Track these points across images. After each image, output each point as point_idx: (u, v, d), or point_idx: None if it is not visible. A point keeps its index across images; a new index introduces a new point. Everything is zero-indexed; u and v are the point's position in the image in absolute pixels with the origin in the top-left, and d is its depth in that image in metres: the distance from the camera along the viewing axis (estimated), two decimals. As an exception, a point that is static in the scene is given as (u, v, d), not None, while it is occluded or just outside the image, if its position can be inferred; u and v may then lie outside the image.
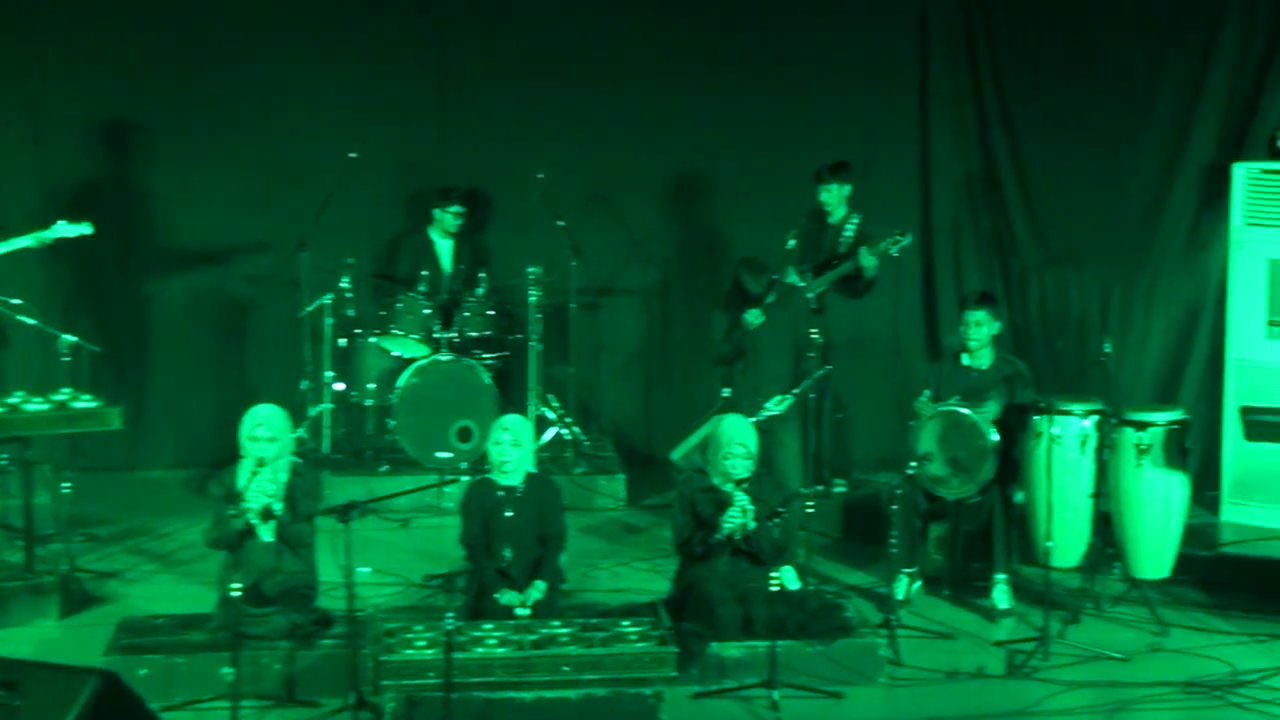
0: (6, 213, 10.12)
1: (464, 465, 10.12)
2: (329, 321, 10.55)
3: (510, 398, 10.53)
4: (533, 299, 10.53)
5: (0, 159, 10.89)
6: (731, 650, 7.72)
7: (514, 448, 7.97)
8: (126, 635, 7.74)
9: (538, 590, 7.83)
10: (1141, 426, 8.83)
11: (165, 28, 10.95)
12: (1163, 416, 8.92)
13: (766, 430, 8.70)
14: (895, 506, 8.53)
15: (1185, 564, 8.95)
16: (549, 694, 7.21)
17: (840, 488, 10.17)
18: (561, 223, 10.61)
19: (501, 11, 11.16)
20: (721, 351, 9.51)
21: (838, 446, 10.22)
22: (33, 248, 9.19)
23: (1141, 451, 8.80)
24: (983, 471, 8.66)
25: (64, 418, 8.72)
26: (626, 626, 7.53)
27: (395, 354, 10.50)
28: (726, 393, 9.43)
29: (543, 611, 7.76)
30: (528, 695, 7.20)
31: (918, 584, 8.87)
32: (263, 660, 7.50)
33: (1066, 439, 8.84)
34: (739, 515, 7.88)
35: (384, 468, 10.41)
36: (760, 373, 9.26)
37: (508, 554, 7.89)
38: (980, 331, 8.83)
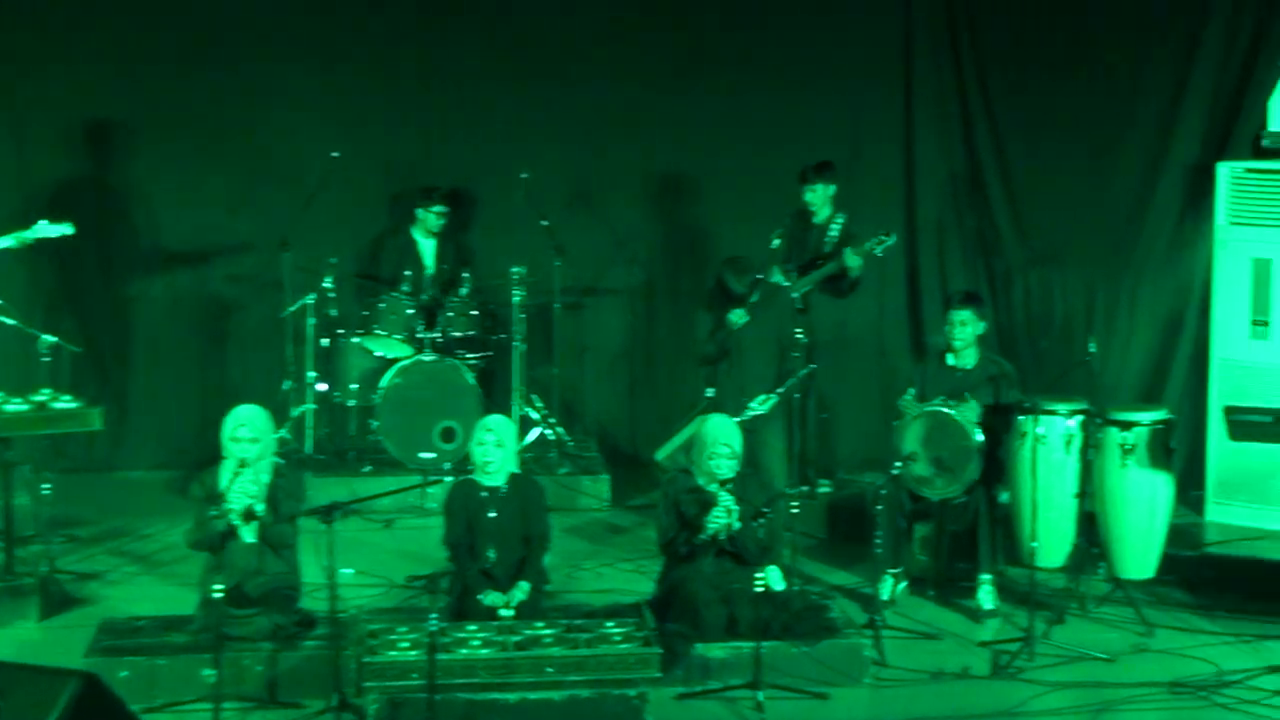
0: (-12, 212, 10.09)
1: (447, 466, 10.09)
2: (311, 321, 10.53)
3: (494, 398, 10.51)
4: (516, 299, 10.51)
5: (-18, 158, 10.88)
6: (716, 651, 7.71)
7: (497, 448, 7.96)
8: (107, 637, 7.71)
9: (521, 591, 7.81)
10: (1126, 426, 8.85)
11: (148, 27, 10.92)
12: (1147, 416, 8.94)
13: (751, 430, 8.68)
14: (880, 507, 8.52)
15: (1170, 564, 8.97)
16: (533, 695, 7.20)
17: (825, 488, 10.16)
18: (545, 222, 10.59)
19: (485, 11, 11.13)
20: (706, 351, 9.50)
21: (822, 446, 10.21)
22: (14, 248, 9.14)
23: (1126, 451, 8.81)
24: (967, 472, 8.65)
25: (44, 418, 8.68)
26: (611, 627, 7.53)
27: (378, 354, 10.48)
28: (711, 393, 9.42)
29: (526, 612, 7.74)
30: (511, 697, 7.19)
31: (903, 584, 8.87)
32: (245, 662, 7.47)
33: (1051, 439, 8.85)
34: (723, 515, 7.86)
35: (367, 468, 10.38)
36: (744, 372, 9.24)
37: (491, 555, 7.88)
38: (965, 331, 8.83)
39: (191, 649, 7.48)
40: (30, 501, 9.12)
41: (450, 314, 10.51)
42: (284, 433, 10.22)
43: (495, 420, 8.08)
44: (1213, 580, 8.91)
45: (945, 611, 8.70)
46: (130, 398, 11.09)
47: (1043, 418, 8.77)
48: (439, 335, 10.40)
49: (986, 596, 8.67)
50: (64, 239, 9.14)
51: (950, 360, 8.91)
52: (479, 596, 7.79)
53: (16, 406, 8.64)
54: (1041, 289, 10.84)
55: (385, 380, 10.32)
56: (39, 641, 8.18)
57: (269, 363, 10.74)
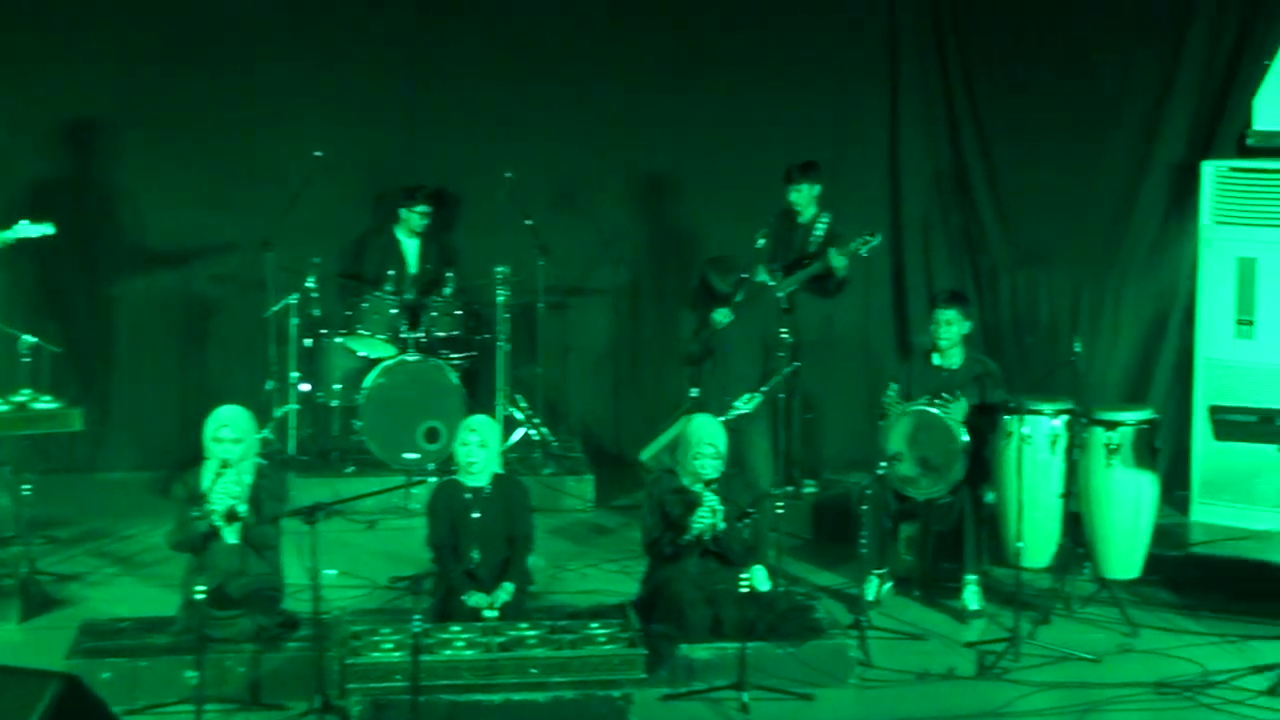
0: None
1: (431, 466, 10.07)
2: (294, 321, 10.50)
3: (478, 398, 10.49)
4: (500, 299, 10.49)
5: (-37, 158, 10.83)
6: (701, 652, 7.69)
7: (481, 449, 7.94)
8: (88, 638, 7.68)
9: (505, 592, 7.79)
10: (1111, 426, 8.86)
11: (130, 27, 10.88)
12: (1132, 416, 8.95)
13: (736, 429, 8.66)
14: (865, 507, 8.51)
15: (1155, 564, 8.98)
16: (517, 696, 7.19)
17: (810, 488, 10.16)
18: (529, 222, 10.58)
19: (469, 10, 11.11)
20: (690, 351, 9.48)
21: (808, 447, 10.21)
22: (-6, 248, 9.12)
23: (1111, 451, 8.82)
24: (953, 471, 8.64)
25: (24, 419, 8.64)
26: (595, 628, 7.53)
27: (361, 354, 10.45)
28: (695, 393, 9.40)
29: (510, 613, 7.72)
30: (495, 698, 7.18)
31: (888, 585, 8.86)
32: (227, 663, 7.45)
33: (1037, 439, 8.86)
34: (708, 516, 7.85)
35: (350, 469, 10.36)
36: (729, 372, 9.23)
37: (475, 556, 7.86)
38: (950, 331, 8.82)
39: (173, 650, 7.44)
40: (10, 502, 9.07)
41: (434, 314, 10.49)
42: (267, 433, 10.19)
43: (479, 420, 8.06)
44: (1198, 580, 8.91)
45: (930, 612, 8.70)
46: (112, 398, 11.05)
47: (1028, 417, 8.78)
48: (423, 335, 10.38)
49: (972, 597, 8.66)
50: (45, 239, 9.10)
51: (936, 360, 8.90)
52: (463, 597, 7.77)
53: (-3, 407, 8.61)
54: (1027, 288, 10.84)
55: (369, 380, 10.29)
56: (19, 643, 8.13)
57: (252, 363, 10.71)
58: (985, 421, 8.77)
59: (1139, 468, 8.85)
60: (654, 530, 8.04)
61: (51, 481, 9.87)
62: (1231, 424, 8.11)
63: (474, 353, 10.67)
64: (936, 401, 8.67)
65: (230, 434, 7.69)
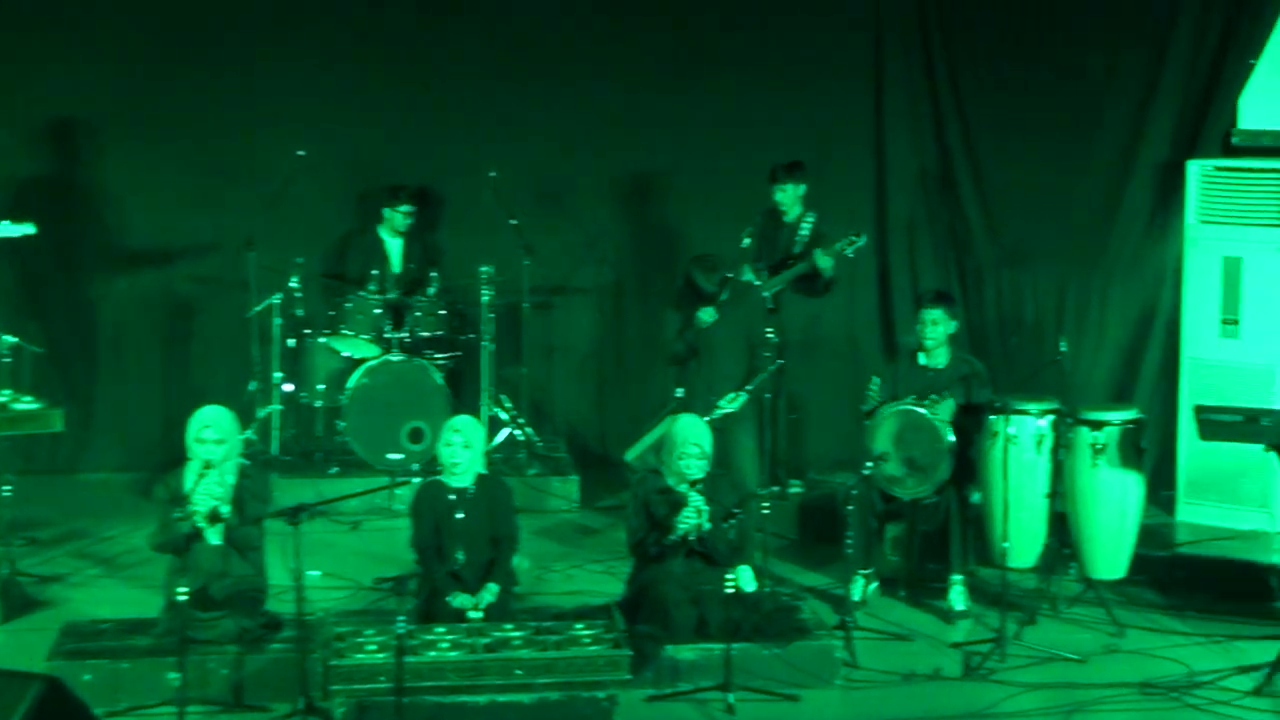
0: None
1: (415, 467, 10.05)
2: (277, 322, 10.47)
3: (462, 398, 10.47)
4: (485, 298, 10.47)
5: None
6: (686, 653, 7.67)
7: (465, 449, 7.92)
8: (70, 640, 7.65)
9: (490, 593, 7.78)
10: (1097, 426, 8.86)
11: (112, 26, 10.85)
12: (1118, 416, 8.95)
13: (721, 429, 8.65)
14: (851, 507, 8.51)
15: (1140, 564, 8.98)
16: (501, 698, 7.17)
17: (796, 488, 10.14)
18: (514, 221, 10.55)
19: (453, 10, 11.09)
20: (675, 350, 9.48)
21: (793, 447, 10.20)
22: (-25, 248, 9.08)
23: (1097, 451, 8.81)
24: (939, 471, 8.63)
25: (4, 419, 8.60)
26: (580, 629, 7.53)
27: (345, 354, 10.43)
28: (680, 393, 9.39)
29: (495, 614, 7.71)
30: (480, 699, 7.17)
31: (874, 585, 8.85)
32: (210, 665, 7.42)
33: (1022, 439, 8.86)
34: (693, 516, 7.84)
35: (334, 470, 10.33)
36: (714, 371, 9.22)
37: (460, 557, 7.84)
38: (936, 330, 8.81)
39: (156, 652, 7.42)
40: (-9, 503, 9.04)
41: (418, 314, 10.46)
42: (250, 434, 10.16)
43: (463, 421, 8.04)
44: (1183, 580, 8.92)
45: (916, 612, 8.69)
46: (94, 399, 11.01)
47: (1014, 417, 8.78)
48: (407, 335, 10.36)
49: (958, 597, 8.64)
50: (26, 239, 9.06)
51: (922, 359, 8.89)
52: (447, 598, 7.75)
53: (-23, 408, 8.57)
54: (1012, 288, 10.84)
55: (352, 381, 10.26)
56: (0, 645, 8.08)
57: (234, 363, 10.68)
58: (971, 421, 8.76)
59: (1125, 468, 8.84)
60: (639, 531, 8.03)
61: (33, 482, 9.83)
62: (1217, 424, 8.10)
63: (458, 353, 10.65)
64: (924, 402, 8.66)
65: (213, 435, 7.65)
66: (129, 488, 10.57)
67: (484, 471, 8.07)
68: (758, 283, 9.86)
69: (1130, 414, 8.99)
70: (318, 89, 10.95)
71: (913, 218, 11.13)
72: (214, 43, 10.88)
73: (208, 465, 7.60)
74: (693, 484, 7.90)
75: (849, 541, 8.43)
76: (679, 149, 11.08)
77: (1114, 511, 8.85)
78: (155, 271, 10.99)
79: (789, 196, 10.06)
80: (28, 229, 9.00)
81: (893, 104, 11.09)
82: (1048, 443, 8.88)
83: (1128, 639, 8.32)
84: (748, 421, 9.20)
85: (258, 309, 10.45)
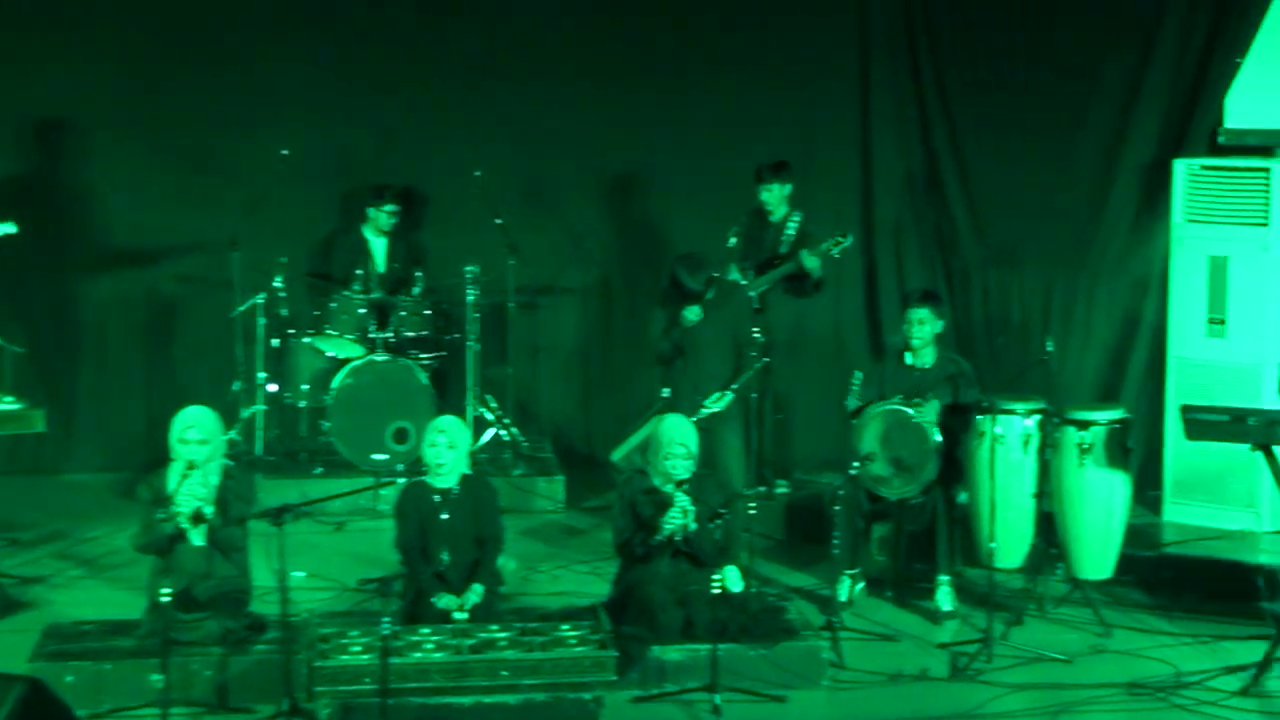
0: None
1: (400, 467, 10.02)
2: (262, 321, 10.44)
3: (447, 399, 10.44)
4: (470, 298, 10.46)
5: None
6: (672, 653, 7.66)
7: (450, 450, 7.90)
8: (52, 641, 7.62)
9: (475, 594, 7.76)
10: (1084, 426, 8.85)
11: (97, 26, 10.82)
12: (1104, 415, 8.94)
13: (707, 429, 8.63)
14: (838, 507, 8.50)
15: (1127, 564, 8.97)
16: (487, 699, 7.16)
17: (782, 488, 10.13)
18: (499, 221, 10.53)
19: (437, 10, 11.06)
20: (661, 350, 9.45)
21: (780, 447, 10.19)
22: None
23: (1084, 451, 8.80)
24: (925, 471, 8.62)
25: (-14, 420, 8.57)
26: (566, 630, 7.52)
27: (330, 354, 10.40)
28: (666, 393, 9.37)
29: (480, 615, 7.68)
30: (466, 700, 7.15)
31: (860, 585, 8.84)
32: (193, 666, 7.39)
33: (1009, 438, 8.85)
34: (679, 516, 7.83)
35: (318, 470, 10.30)
36: (700, 371, 9.20)
37: (445, 557, 7.81)
38: (923, 330, 8.79)
39: (139, 654, 7.39)
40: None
41: (403, 314, 10.44)
42: (233, 434, 10.13)
43: (447, 421, 8.02)
44: (1170, 580, 8.91)
45: (903, 613, 8.68)
46: (76, 399, 10.97)
47: (1000, 417, 8.77)
48: (391, 335, 10.34)
49: (945, 597, 8.63)
50: (8, 238, 9.03)
51: (908, 359, 8.87)
52: (432, 599, 7.73)
53: (-42, 408, 8.54)
54: (999, 288, 10.83)
55: (337, 381, 10.23)
56: (-18, 647, 8.06)
57: (218, 363, 10.65)
58: (958, 421, 8.75)
59: (1111, 467, 8.84)
60: (625, 531, 8.01)
61: (15, 483, 9.84)
62: (1203, 423, 8.09)
63: (443, 353, 10.63)
64: (910, 402, 8.64)
65: (196, 435, 7.62)
66: (112, 488, 10.52)
67: (468, 472, 8.05)
68: (744, 282, 9.85)
69: (1117, 414, 8.98)
70: (302, 88, 10.92)
71: (899, 218, 11.12)
72: (199, 43, 10.85)
73: (191, 466, 7.56)
74: (679, 484, 7.89)
75: (835, 542, 8.43)
76: (665, 149, 11.07)
77: (1101, 511, 8.85)
78: (138, 271, 10.95)
79: (775, 196, 10.05)
80: (9, 228, 8.98)
81: (879, 104, 11.08)
82: (1034, 443, 8.87)
83: (1115, 639, 8.32)
84: (734, 421, 9.18)
85: (242, 309, 10.42)
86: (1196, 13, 9.91)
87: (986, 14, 10.74)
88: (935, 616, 8.59)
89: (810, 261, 9.80)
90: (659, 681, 7.60)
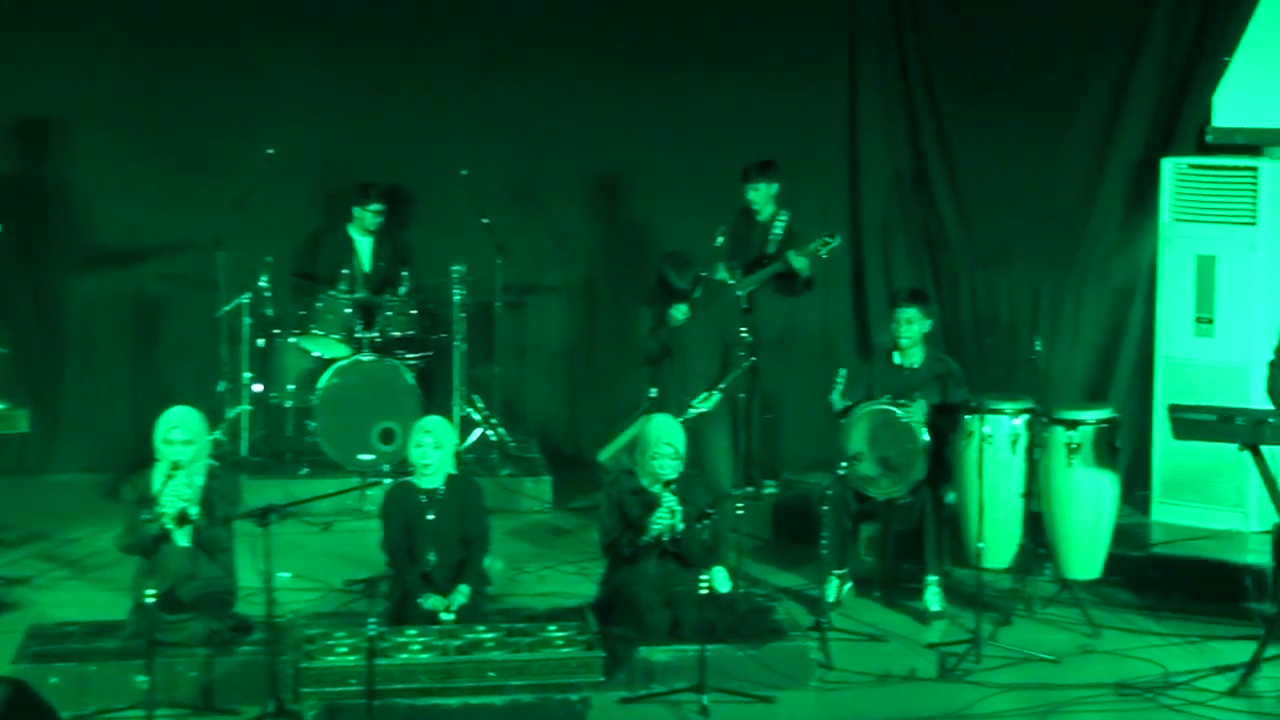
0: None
1: (386, 468, 9.99)
2: (247, 321, 10.40)
3: (434, 399, 10.42)
4: (456, 298, 10.43)
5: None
6: (660, 654, 7.64)
7: (436, 450, 7.89)
8: (36, 642, 7.60)
9: (462, 594, 7.74)
10: (1072, 425, 8.83)
11: (81, 25, 10.78)
12: (1093, 415, 8.93)
13: (695, 429, 8.61)
14: (826, 507, 8.48)
15: (1115, 564, 8.97)
16: (474, 700, 7.14)
17: (770, 489, 10.11)
18: (485, 220, 10.51)
19: (423, 8, 11.02)
20: (649, 349, 9.44)
21: (767, 447, 10.16)
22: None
23: (1072, 451, 8.79)
24: (914, 471, 8.61)
25: (-31, 420, 8.54)
26: (553, 631, 7.51)
27: (315, 354, 10.37)
28: (654, 392, 9.35)
29: (467, 616, 7.67)
30: (452, 701, 7.13)
31: (848, 586, 8.82)
32: (178, 668, 7.36)
33: (998, 438, 8.83)
34: (667, 517, 7.82)
35: (304, 470, 10.27)
36: (687, 371, 9.18)
37: (432, 558, 7.79)
38: (911, 329, 8.78)
39: (123, 655, 7.36)
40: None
41: (389, 313, 10.41)
42: (219, 434, 10.09)
43: (433, 422, 8.01)
44: (1158, 580, 8.92)
45: (891, 613, 8.67)
46: (60, 399, 10.93)
47: (989, 417, 8.75)
48: (377, 335, 10.31)
49: (933, 598, 8.62)
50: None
51: (896, 359, 8.86)
52: (419, 600, 7.71)
53: (-59, 408, 8.50)
54: (987, 287, 10.82)
55: (323, 381, 10.21)
56: (-35, 648, 8.02)
57: (203, 363, 10.62)
58: (946, 421, 8.74)
59: (1100, 467, 8.83)
60: (612, 531, 7.99)
61: (-2, 483, 9.79)
62: (1191, 423, 8.08)
63: (430, 353, 10.60)
64: (898, 401, 8.63)
65: (181, 435, 7.59)
66: (96, 489, 10.49)
67: (454, 472, 8.03)
68: (731, 282, 9.84)
69: (1105, 413, 8.97)
70: (287, 87, 10.89)
71: (887, 217, 11.11)
72: (185, 43, 10.82)
73: (176, 466, 7.54)
74: (666, 484, 7.87)
75: (824, 542, 8.42)
76: (652, 148, 11.05)
77: (1089, 511, 8.83)
78: (123, 270, 10.91)
79: (761, 195, 10.03)
80: (-6, 227, 8.94)
81: (867, 103, 11.07)
82: (1023, 442, 8.86)
83: (1103, 639, 8.31)
84: (721, 421, 9.17)
85: (227, 308, 10.39)
86: (1184, 11, 9.89)
87: (975, 13, 10.73)
88: (923, 617, 8.57)
89: (798, 262, 9.79)
90: (646, 682, 7.58)
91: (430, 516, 7.86)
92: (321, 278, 10.55)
